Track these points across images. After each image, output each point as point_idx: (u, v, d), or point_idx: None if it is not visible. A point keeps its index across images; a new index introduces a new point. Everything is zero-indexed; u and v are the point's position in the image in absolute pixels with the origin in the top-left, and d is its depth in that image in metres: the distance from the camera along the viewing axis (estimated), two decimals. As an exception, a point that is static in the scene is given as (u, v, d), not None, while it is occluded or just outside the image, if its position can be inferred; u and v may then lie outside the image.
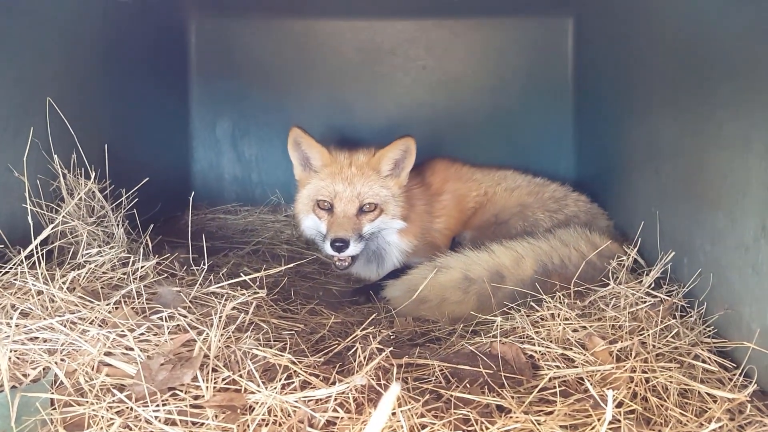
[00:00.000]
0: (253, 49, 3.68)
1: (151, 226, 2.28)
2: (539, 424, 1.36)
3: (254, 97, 3.73)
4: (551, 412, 1.45)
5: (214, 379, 1.42)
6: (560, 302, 2.00)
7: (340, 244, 2.51)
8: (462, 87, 3.64)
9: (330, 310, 2.35)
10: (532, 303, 2.08)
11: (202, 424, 1.29)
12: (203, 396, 1.36)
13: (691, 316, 1.98)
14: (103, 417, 1.26)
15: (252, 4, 3.44)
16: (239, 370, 1.46)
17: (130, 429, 1.25)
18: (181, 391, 1.38)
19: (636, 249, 2.35)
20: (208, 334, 1.53)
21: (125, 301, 1.66)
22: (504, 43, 3.57)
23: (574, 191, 2.99)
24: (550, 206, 2.84)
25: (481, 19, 3.53)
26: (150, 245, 2.20)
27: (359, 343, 1.59)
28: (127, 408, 1.29)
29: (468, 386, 1.60)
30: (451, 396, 1.48)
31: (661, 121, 2.34)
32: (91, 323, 1.53)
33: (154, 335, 1.59)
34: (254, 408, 1.36)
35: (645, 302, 2.03)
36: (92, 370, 1.40)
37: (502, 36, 3.56)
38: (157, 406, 1.29)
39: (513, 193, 2.94)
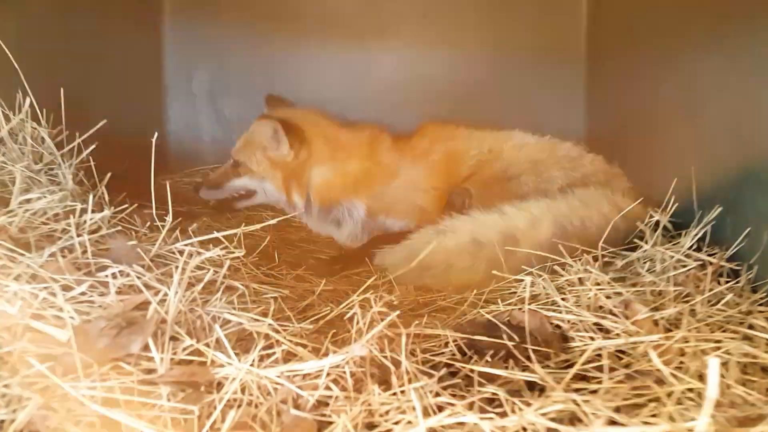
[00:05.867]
0: (236, -11, 3.31)
1: (109, 174, 1.94)
2: (585, 404, 1.07)
3: (236, 46, 3.35)
4: (596, 391, 1.17)
5: (173, 349, 1.11)
6: (590, 265, 1.72)
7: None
8: (464, 41, 3.30)
9: (318, 275, 2.06)
10: (555, 267, 1.80)
11: (153, 405, 0.98)
12: (156, 370, 1.05)
13: (738, 282, 1.70)
14: (18, 396, 0.94)
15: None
16: (206, 338, 1.15)
17: (55, 411, 0.94)
18: (129, 363, 1.07)
19: (668, 209, 2.06)
20: (167, 294, 1.22)
21: (64, 255, 1.33)
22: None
23: (590, 152, 2.71)
24: (565, 164, 2.56)
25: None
26: (106, 197, 1.87)
27: (358, 307, 1.28)
28: (53, 384, 0.98)
29: (489, 360, 1.31)
30: (472, 371, 1.19)
31: (699, 61, 2.04)
32: (16, 279, 1.20)
33: (99, 295, 1.27)
34: (223, 385, 1.05)
35: (685, 266, 1.75)
36: (13, 336, 1.08)
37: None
38: (93, 381, 0.98)
39: (522, 150, 2.66)
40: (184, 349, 1.11)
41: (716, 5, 1.92)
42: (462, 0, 3.26)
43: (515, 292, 1.70)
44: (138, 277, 1.37)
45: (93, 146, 2.05)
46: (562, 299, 1.60)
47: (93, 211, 1.70)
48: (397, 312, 1.23)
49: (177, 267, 1.28)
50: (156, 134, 1.77)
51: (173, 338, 1.14)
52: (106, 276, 1.31)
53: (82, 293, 1.25)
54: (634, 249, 1.98)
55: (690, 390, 1.11)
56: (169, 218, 1.66)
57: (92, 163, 2.05)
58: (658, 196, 2.29)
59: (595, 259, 1.83)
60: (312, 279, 2.03)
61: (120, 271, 1.34)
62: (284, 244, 2.58)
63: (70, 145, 1.98)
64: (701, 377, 1.18)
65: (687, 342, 1.36)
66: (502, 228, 2.04)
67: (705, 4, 2.00)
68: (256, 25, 3.34)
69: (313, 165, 2.64)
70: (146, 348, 1.08)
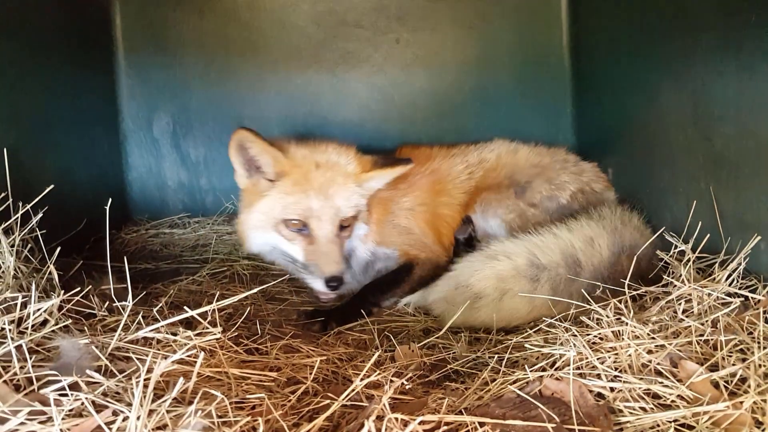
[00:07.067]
0: (192, 29, 3.07)
1: (58, 249, 1.67)
2: None
3: (196, 86, 3.11)
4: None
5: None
6: (625, 312, 1.50)
7: (335, 284, 1.97)
8: (442, 62, 3.12)
9: (307, 341, 1.81)
10: (585, 318, 1.58)
11: None
12: None
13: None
14: None
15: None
16: (180, 476, 0.89)
17: None
18: None
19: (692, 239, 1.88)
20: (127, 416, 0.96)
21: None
22: (487, 10, 3.07)
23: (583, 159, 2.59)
24: (573, 169, 2.43)
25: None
26: (56, 276, 1.59)
27: (368, 418, 1.03)
28: None
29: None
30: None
31: (711, 73, 1.86)
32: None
33: (42, 423, 1.00)
34: None
35: (726, 303, 1.55)
36: None
37: (484, 2, 3.06)
38: None
39: (517, 154, 2.51)
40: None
41: (723, 16, 1.76)
42: (437, 22, 3.08)
43: (545, 353, 1.47)
44: (91, 383, 1.11)
45: (40, 215, 1.78)
46: (599, 359, 1.38)
47: (39, 297, 1.44)
48: (419, 419, 0.99)
49: (138, 378, 1.02)
50: (110, 201, 1.52)
51: (138, 481, 0.88)
52: (58, 392, 1.04)
53: (21, 424, 0.98)
54: (652, 282, 1.79)
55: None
56: (129, 301, 1.40)
57: (39, 232, 1.78)
58: (669, 216, 2.12)
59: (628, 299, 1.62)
60: (301, 347, 1.78)
61: (70, 384, 1.07)
62: (265, 300, 2.32)
63: (13, 218, 1.70)
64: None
65: (761, 408, 1.15)
66: (562, 248, 1.88)
67: (709, 14, 1.84)
68: (218, 61, 3.12)
69: None
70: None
